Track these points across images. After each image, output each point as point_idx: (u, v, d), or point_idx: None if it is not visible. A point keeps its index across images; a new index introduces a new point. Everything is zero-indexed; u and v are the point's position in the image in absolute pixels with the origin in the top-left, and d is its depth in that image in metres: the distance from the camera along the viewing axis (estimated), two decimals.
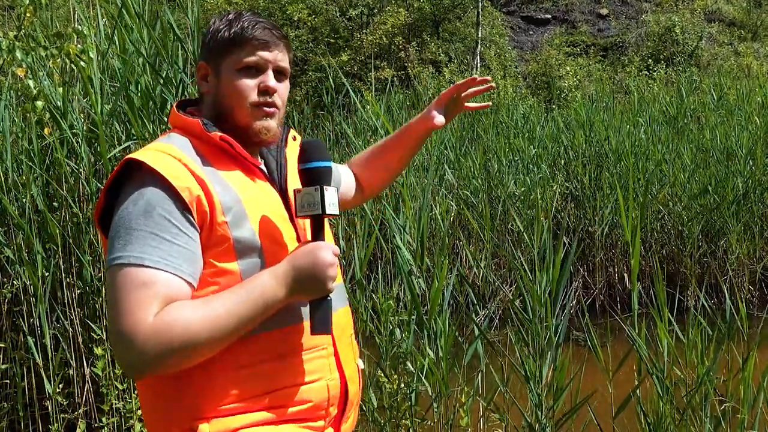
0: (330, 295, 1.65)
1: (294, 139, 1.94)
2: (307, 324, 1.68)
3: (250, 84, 1.73)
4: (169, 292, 1.52)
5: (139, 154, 1.62)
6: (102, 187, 1.68)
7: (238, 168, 1.71)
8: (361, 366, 1.92)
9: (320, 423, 1.71)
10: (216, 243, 1.60)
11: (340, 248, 4.16)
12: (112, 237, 1.56)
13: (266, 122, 1.75)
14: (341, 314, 1.81)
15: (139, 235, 1.53)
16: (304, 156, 1.71)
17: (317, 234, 1.69)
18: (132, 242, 1.53)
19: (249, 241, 1.62)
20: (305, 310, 1.68)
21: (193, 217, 1.58)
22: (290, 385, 1.65)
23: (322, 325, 1.64)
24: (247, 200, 1.65)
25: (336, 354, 1.75)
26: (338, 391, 1.75)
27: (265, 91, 1.74)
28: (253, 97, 1.73)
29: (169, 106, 4.22)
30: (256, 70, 1.74)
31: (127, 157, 1.63)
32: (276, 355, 1.64)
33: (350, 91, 4.49)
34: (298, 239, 1.74)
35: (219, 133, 1.69)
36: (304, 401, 1.67)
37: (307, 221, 1.75)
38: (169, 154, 1.63)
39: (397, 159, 2.30)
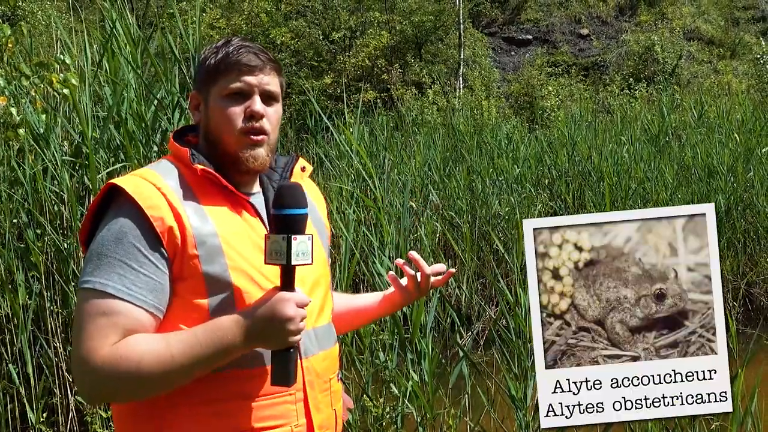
0: (295, 346, 1.59)
1: (303, 169, 1.86)
2: None
3: (236, 110, 1.69)
4: (130, 324, 1.53)
5: (121, 180, 1.63)
6: (88, 209, 1.66)
7: (224, 200, 1.68)
8: (351, 405, 1.89)
9: None
10: (187, 275, 1.59)
11: None
12: (86, 260, 1.59)
13: (254, 151, 1.70)
14: (320, 358, 1.74)
15: (108, 262, 1.55)
16: (277, 201, 1.63)
17: (286, 283, 1.59)
18: (100, 267, 1.55)
19: (220, 277, 1.59)
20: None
21: (163, 247, 1.57)
22: (252, 428, 1.62)
23: (280, 377, 1.59)
24: (224, 235, 1.62)
25: (305, 400, 1.69)
26: None
27: (251, 116, 1.69)
28: (240, 123, 1.69)
29: (160, 130, 4.24)
30: (243, 95, 1.70)
31: (109, 181, 1.63)
32: (241, 395, 1.61)
33: (323, 117, 4.52)
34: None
35: (200, 166, 1.65)
36: None
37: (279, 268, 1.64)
38: (151, 181, 1.62)
39: (365, 322, 2.35)
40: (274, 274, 1.64)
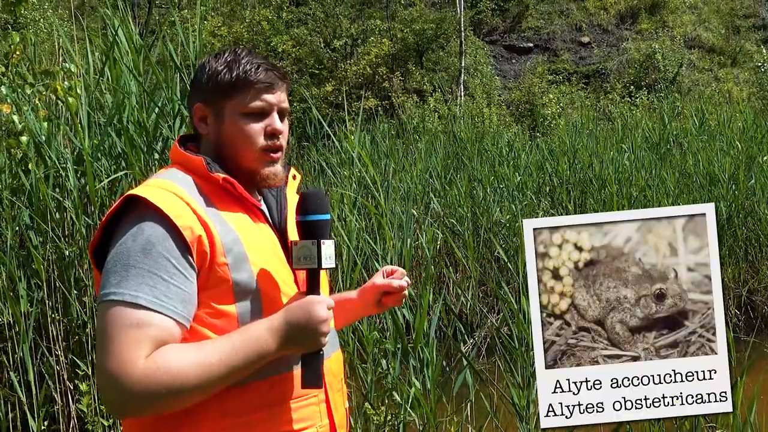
0: (324, 348, 1.64)
1: (294, 177, 1.89)
2: (297, 372, 1.66)
3: (256, 128, 1.71)
4: (162, 335, 1.51)
5: (141, 191, 1.60)
6: (100, 221, 1.66)
7: (239, 208, 1.69)
8: (346, 405, 1.91)
9: None
10: (215, 284, 1.59)
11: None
12: (108, 271, 1.55)
13: (273, 168, 1.73)
14: (333, 360, 1.79)
15: (137, 272, 1.52)
16: (302, 207, 1.68)
17: (312, 287, 1.66)
18: (128, 279, 1.52)
19: (247, 284, 1.61)
20: (296, 359, 1.66)
21: (192, 257, 1.57)
22: None
23: (313, 379, 1.64)
24: (247, 242, 1.64)
25: (327, 400, 1.73)
26: None
27: (272, 134, 1.72)
28: (261, 141, 1.71)
29: (161, 137, 4.24)
30: (261, 113, 1.72)
31: (128, 192, 1.62)
32: (265, 404, 1.62)
33: (324, 126, 4.53)
34: (296, 282, 1.72)
35: (222, 175, 1.67)
36: None
37: (303, 272, 1.70)
38: (172, 192, 1.61)
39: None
40: (289, 277, 1.71)
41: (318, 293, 1.65)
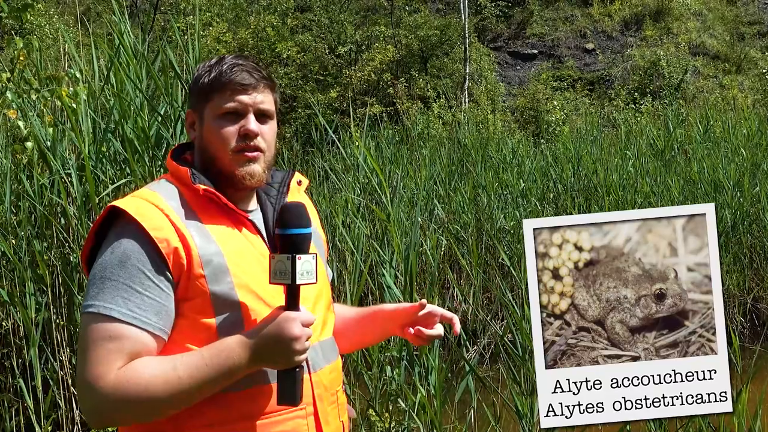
0: (301, 365, 1.60)
1: (299, 183, 1.87)
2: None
3: (230, 130, 1.69)
4: (136, 347, 1.53)
5: (122, 202, 1.62)
6: (89, 231, 1.67)
7: (225, 219, 1.68)
8: (353, 415, 1.89)
9: None
10: (193, 296, 1.59)
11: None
12: (89, 283, 1.58)
13: (249, 167, 1.70)
14: (326, 372, 1.76)
15: (112, 285, 1.55)
16: (281, 220, 1.65)
17: (291, 303, 1.61)
18: (104, 291, 1.54)
19: (227, 296, 1.60)
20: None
21: (168, 269, 1.57)
22: None
23: (287, 396, 1.60)
24: (229, 254, 1.63)
25: (315, 414, 1.70)
26: None
27: (246, 135, 1.70)
28: (234, 142, 1.69)
29: (165, 144, 4.25)
30: (237, 114, 1.71)
31: (110, 204, 1.64)
32: (246, 415, 1.61)
33: (329, 131, 4.53)
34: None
35: (203, 186, 1.66)
36: None
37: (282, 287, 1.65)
38: (153, 203, 1.62)
39: (358, 341, 2.13)
40: (279, 290, 1.66)
41: (297, 309, 1.61)
